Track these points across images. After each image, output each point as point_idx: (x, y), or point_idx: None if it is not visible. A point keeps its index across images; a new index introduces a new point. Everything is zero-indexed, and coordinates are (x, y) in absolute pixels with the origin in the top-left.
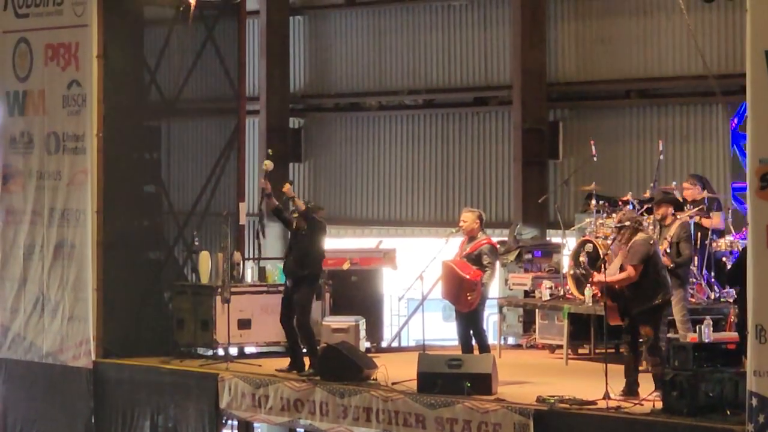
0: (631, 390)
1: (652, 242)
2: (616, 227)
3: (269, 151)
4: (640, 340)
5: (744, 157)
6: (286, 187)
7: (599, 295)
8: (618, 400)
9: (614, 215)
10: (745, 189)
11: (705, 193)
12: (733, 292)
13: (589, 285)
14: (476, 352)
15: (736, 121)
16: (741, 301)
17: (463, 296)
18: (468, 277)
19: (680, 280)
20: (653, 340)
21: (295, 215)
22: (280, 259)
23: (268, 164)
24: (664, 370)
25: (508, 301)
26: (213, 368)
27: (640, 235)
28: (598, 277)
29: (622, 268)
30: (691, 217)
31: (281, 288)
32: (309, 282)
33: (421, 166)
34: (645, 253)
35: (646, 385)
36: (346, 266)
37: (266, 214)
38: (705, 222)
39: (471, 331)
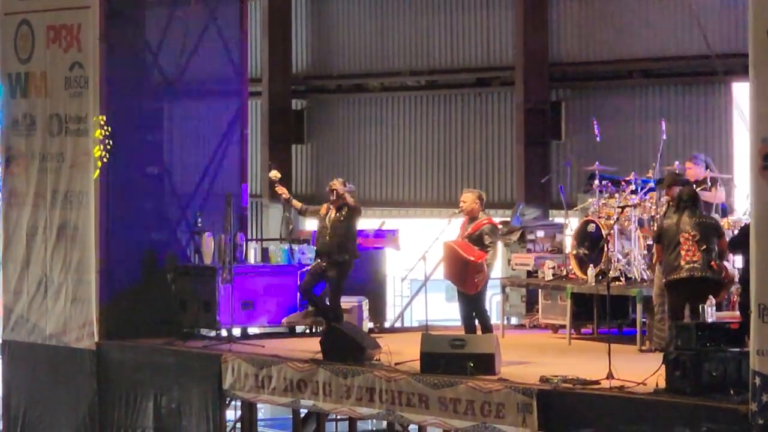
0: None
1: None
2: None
3: (270, 163)
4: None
5: None
6: (280, 189)
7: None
8: (622, 379)
9: (617, 195)
10: None
11: (708, 173)
12: (736, 271)
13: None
14: (479, 332)
15: None
16: (743, 280)
17: (470, 279)
18: (473, 259)
19: None
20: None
21: (330, 204)
22: (282, 240)
23: (275, 174)
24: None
25: (511, 281)
26: (216, 349)
27: None
28: None
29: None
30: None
31: (286, 269)
32: (346, 266)
33: (424, 147)
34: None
35: (649, 365)
36: None
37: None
38: (708, 196)
39: (474, 312)
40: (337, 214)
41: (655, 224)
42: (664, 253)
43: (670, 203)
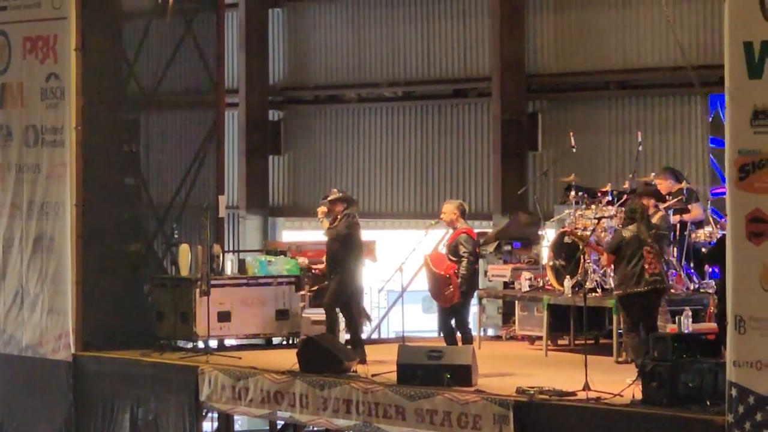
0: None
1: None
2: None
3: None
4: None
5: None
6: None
7: None
8: (598, 391)
9: (593, 206)
10: (723, 194)
11: (682, 185)
12: (712, 282)
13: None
14: (460, 343)
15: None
16: (720, 291)
17: (442, 292)
18: (440, 272)
19: None
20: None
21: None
22: (260, 252)
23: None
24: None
25: (488, 293)
26: (193, 361)
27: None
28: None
29: None
30: (668, 209)
31: (261, 281)
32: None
33: (401, 158)
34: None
35: (624, 375)
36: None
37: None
38: (685, 216)
39: (454, 322)
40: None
41: (605, 236)
42: (621, 265)
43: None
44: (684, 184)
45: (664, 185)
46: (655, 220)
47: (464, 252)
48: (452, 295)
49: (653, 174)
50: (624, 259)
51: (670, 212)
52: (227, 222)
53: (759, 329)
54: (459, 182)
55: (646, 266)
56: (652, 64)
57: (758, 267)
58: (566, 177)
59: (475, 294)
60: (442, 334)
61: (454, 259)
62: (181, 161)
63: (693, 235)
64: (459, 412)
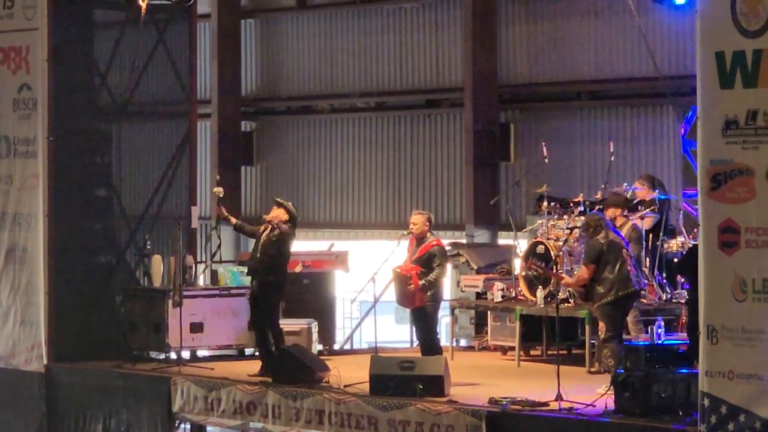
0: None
1: (603, 241)
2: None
3: (218, 177)
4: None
5: (694, 163)
6: (218, 209)
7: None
8: (571, 401)
9: (566, 217)
10: (695, 195)
11: (656, 193)
12: (685, 293)
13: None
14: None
15: (684, 128)
16: (692, 302)
17: (402, 291)
18: (403, 272)
19: None
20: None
21: (266, 225)
22: (233, 263)
23: (219, 190)
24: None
25: (460, 303)
26: (165, 372)
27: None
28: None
29: None
30: (642, 218)
31: (233, 291)
32: (274, 286)
33: (373, 169)
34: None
35: (597, 385)
36: (298, 269)
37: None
38: (638, 223)
39: (423, 331)
40: (270, 235)
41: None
42: (605, 272)
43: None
44: (657, 193)
45: (642, 192)
46: (624, 230)
47: (437, 264)
48: (413, 294)
49: (626, 184)
50: (608, 265)
51: (633, 221)
52: (199, 233)
53: (731, 339)
54: (431, 192)
55: (629, 268)
56: (624, 75)
57: (730, 277)
58: (538, 187)
59: (448, 304)
60: (418, 344)
61: (425, 270)
62: (153, 172)
63: (665, 245)
64: (431, 422)
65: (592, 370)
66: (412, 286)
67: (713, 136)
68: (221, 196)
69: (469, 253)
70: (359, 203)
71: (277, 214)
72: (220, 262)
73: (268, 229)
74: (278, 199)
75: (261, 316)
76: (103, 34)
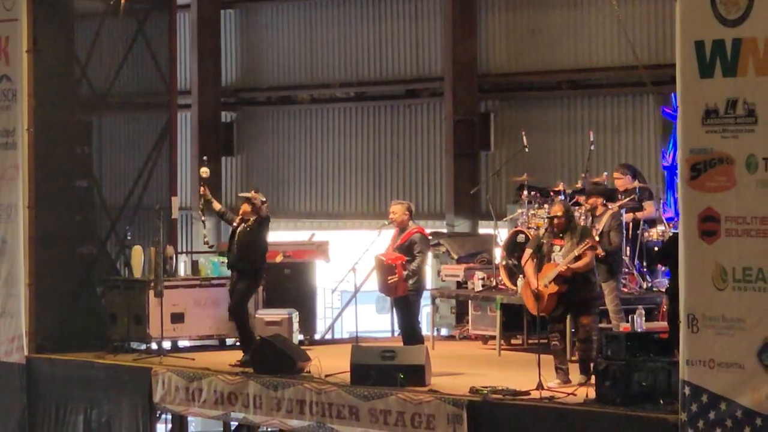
0: (567, 378)
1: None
2: (548, 218)
3: (204, 158)
4: (572, 330)
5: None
6: (203, 190)
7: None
8: (552, 390)
9: (546, 206)
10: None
11: (636, 183)
12: (665, 281)
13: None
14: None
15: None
16: (672, 291)
17: (385, 281)
18: (387, 261)
19: (612, 270)
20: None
21: (242, 212)
22: (213, 253)
23: (205, 171)
24: (597, 360)
25: (441, 293)
26: (146, 362)
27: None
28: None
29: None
30: (621, 207)
31: (214, 282)
32: (251, 275)
33: (354, 159)
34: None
35: (574, 374)
36: (278, 259)
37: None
38: (638, 215)
39: (405, 320)
40: (245, 225)
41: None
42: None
43: (591, 213)
44: (637, 183)
45: (621, 181)
46: (604, 219)
47: (418, 251)
48: (395, 284)
49: (605, 173)
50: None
51: (623, 211)
52: (180, 223)
53: (712, 328)
54: (412, 182)
55: None
56: (604, 64)
57: (711, 265)
58: (519, 176)
59: (428, 294)
60: (400, 333)
61: (408, 259)
62: (133, 163)
63: (645, 234)
64: (413, 412)
65: (573, 358)
66: (396, 276)
67: (693, 126)
68: (206, 176)
69: (449, 242)
70: (340, 193)
71: (244, 209)
72: (201, 252)
73: (242, 223)
74: (241, 194)
75: (234, 305)
76: (83, 24)
